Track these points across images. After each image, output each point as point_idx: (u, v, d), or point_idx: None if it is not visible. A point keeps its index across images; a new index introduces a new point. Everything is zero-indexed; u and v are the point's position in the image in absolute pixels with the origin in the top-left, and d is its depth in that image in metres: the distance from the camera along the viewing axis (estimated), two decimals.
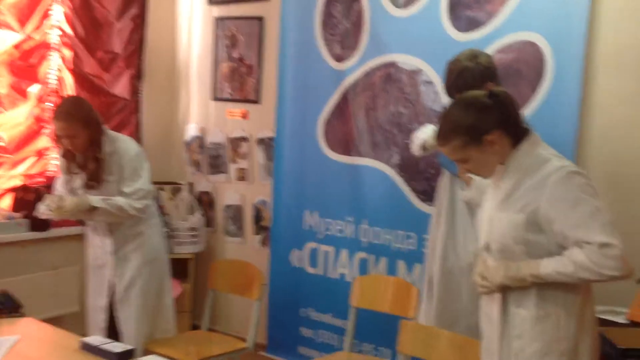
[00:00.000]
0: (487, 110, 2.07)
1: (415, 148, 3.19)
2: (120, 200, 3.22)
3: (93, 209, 3.18)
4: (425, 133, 3.14)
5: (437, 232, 3.13)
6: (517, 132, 2.11)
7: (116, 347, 2.51)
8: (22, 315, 2.95)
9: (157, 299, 3.47)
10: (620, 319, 2.85)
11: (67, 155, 3.30)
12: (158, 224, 3.53)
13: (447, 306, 3.05)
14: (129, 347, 2.54)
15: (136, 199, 3.23)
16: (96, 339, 2.62)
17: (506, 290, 2.12)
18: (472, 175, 2.54)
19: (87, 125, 3.17)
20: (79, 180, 3.31)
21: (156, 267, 3.45)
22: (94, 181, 3.24)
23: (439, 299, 3.06)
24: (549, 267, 2.02)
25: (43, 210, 3.16)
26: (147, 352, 3.12)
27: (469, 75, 2.79)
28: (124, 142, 3.33)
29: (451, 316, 3.03)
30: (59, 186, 3.41)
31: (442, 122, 2.15)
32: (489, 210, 2.18)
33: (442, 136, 2.14)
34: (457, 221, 3.05)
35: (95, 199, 3.19)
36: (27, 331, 2.77)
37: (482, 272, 2.15)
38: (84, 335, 2.82)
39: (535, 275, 2.03)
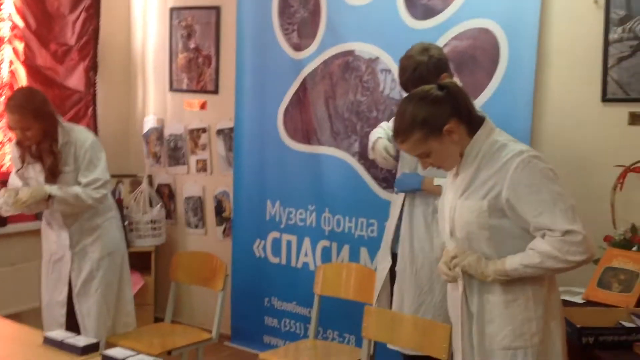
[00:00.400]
0: (440, 102, 2.11)
1: (378, 155, 3.15)
2: (76, 189, 3.20)
3: (49, 198, 3.14)
4: (381, 140, 3.12)
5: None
6: (471, 121, 2.14)
7: (80, 340, 2.48)
8: None
9: (116, 292, 3.45)
10: (577, 299, 2.93)
11: (21, 144, 3.25)
12: (115, 217, 3.51)
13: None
14: (93, 340, 2.52)
15: (93, 189, 3.22)
16: (59, 333, 2.59)
17: (470, 279, 2.15)
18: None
19: (40, 117, 3.14)
20: (32, 170, 3.26)
21: (115, 260, 3.43)
22: (52, 174, 3.20)
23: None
24: (514, 262, 2.05)
25: (0, 204, 3.12)
26: (109, 346, 3.09)
27: (424, 69, 2.82)
28: (79, 133, 3.31)
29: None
30: (13, 178, 3.35)
31: (398, 120, 2.16)
32: (451, 200, 2.20)
33: (402, 133, 2.15)
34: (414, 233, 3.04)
35: (51, 188, 3.16)
36: None
37: (447, 261, 2.17)
38: (45, 331, 2.79)
39: (500, 271, 2.07)
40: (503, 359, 2.12)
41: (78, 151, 3.24)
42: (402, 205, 3.04)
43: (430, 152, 2.14)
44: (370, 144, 3.25)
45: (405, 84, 2.89)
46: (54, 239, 3.38)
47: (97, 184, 3.24)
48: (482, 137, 2.13)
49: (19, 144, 3.28)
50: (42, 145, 3.19)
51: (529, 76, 3.36)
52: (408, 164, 3.03)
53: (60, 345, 2.47)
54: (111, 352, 2.36)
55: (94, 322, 3.32)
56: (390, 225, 3.13)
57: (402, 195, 3.06)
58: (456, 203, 2.16)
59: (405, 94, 2.86)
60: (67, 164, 3.23)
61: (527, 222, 2.05)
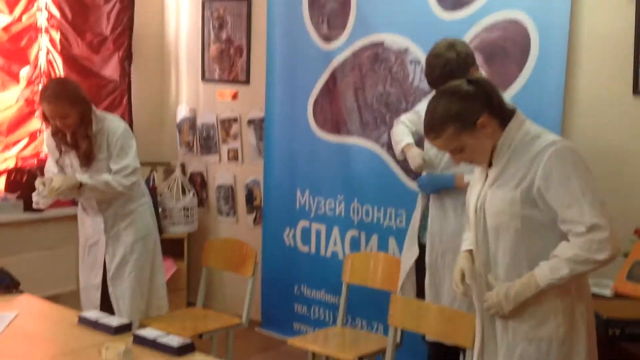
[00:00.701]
0: (471, 96, 2.11)
1: (412, 163, 3.11)
2: (107, 176, 3.28)
3: (80, 186, 3.24)
4: (413, 149, 3.10)
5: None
6: (503, 114, 2.14)
7: (113, 320, 2.57)
8: (20, 292, 3.00)
9: (149, 276, 3.53)
10: (606, 292, 2.91)
11: (57, 135, 3.34)
12: (148, 203, 3.58)
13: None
14: (125, 320, 2.60)
15: (124, 176, 3.30)
16: (94, 313, 2.68)
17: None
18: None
19: (76, 103, 3.22)
20: (68, 158, 3.36)
21: (147, 244, 3.51)
22: (87, 159, 3.29)
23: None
24: (545, 278, 2.05)
25: (36, 199, 3.20)
26: (142, 328, 3.18)
27: (454, 65, 2.83)
28: (111, 121, 3.39)
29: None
30: (50, 166, 3.46)
31: (430, 116, 2.16)
32: (479, 190, 2.21)
33: (435, 129, 2.14)
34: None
35: (82, 176, 3.25)
36: (25, 307, 2.83)
37: (492, 304, 2.16)
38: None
39: (537, 289, 2.07)
40: (526, 350, 2.13)
41: (110, 139, 3.31)
42: (429, 197, 3.07)
43: (464, 147, 2.14)
44: (395, 144, 3.26)
45: (434, 81, 2.89)
46: (90, 224, 3.48)
47: (127, 171, 3.31)
48: (514, 129, 2.13)
49: (53, 135, 3.37)
50: (78, 131, 3.27)
51: (559, 68, 3.34)
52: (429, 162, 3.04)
53: (94, 324, 2.56)
54: (143, 332, 2.45)
55: (127, 304, 3.41)
56: (417, 215, 3.16)
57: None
58: (487, 192, 2.16)
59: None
60: (100, 152, 3.31)
61: (556, 212, 2.05)
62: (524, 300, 2.10)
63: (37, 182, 3.22)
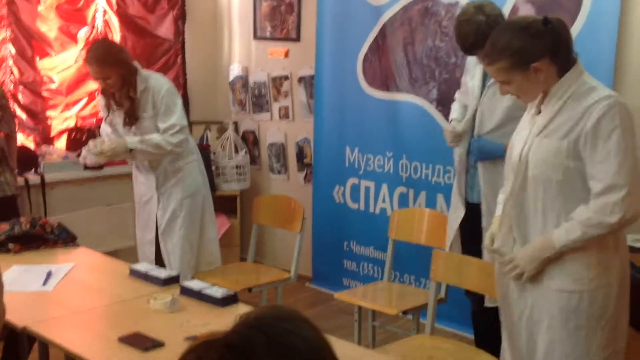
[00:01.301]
0: (539, 36, 2.06)
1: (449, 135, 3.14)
2: (155, 137, 3.36)
3: (131, 150, 3.34)
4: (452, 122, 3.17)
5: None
6: (564, 62, 2.10)
7: (162, 272, 2.68)
8: (77, 245, 3.15)
9: (199, 232, 3.62)
10: None
11: (106, 93, 3.45)
12: (197, 160, 3.64)
13: None
14: (173, 273, 2.71)
15: (171, 134, 3.37)
16: (144, 265, 2.80)
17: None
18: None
19: (118, 66, 3.29)
20: (118, 117, 3.46)
21: (196, 201, 3.59)
22: (131, 118, 3.39)
23: None
24: (562, 238, 2.07)
25: (84, 154, 3.33)
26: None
27: (486, 28, 2.72)
28: (156, 80, 3.44)
29: None
30: (103, 125, 3.57)
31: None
32: (524, 137, 2.18)
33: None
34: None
35: (131, 140, 3.34)
36: (81, 259, 2.98)
37: (512, 267, 2.19)
38: None
39: (552, 251, 2.09)
40: (557, 301, 2.13)
41: (155, 97, 3.38)
42: (467, 155, 3.05)
43: (512, 82, 2.12)
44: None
45: (469, 48, 2.83)
46: (143, 181, 3.59)
47: (174, 129, 3.37)
48: (570, 78, 2.09)
49: (103, 92, 3.48)
50: (120, 91, 3.36)
51: (613, 19, 3.23)
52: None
53: (144, 276, 2.68)
54: (189, 283, 2.55)
55: (177, 259, 3.52)
56: (461, 174, 3.13)
57: (463, 147, 3.07)
58: (533, 141, 2.14)
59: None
60: (146, 110, 3.39)
61: (588, 162, 2.04)
62: (545, 260, 2.10)
63: (90, 141, 3.34)
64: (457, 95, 3.33)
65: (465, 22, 2.80)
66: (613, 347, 2.14)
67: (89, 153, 3.32)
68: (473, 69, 3.07)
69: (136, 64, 3.45)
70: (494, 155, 2.92)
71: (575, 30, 3.33)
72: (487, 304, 2.97)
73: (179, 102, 3.46)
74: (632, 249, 2.76)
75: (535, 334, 2.19)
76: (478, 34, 2.74)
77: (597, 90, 2.07)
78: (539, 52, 2.05)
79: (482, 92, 2.98)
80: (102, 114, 3.60)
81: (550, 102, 2.11)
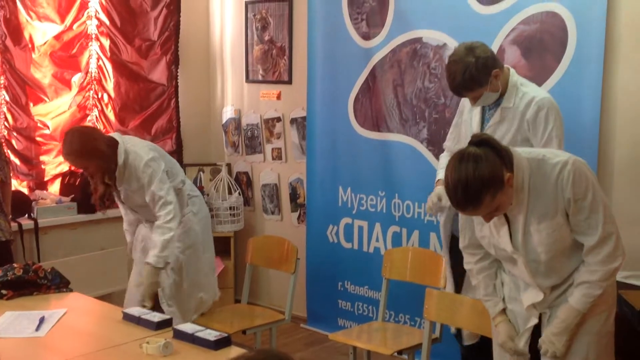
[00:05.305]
0: (489, 157, 2.11)
1: (429, 201, 3.12)
2: (157, 239, 3.28)
3: (166, 265, 3.32)
4: (438, 188, 3.10)
5: None
6: (508, 160, 2.17)
7: (155, 317, 2.68)
8: (70, 290, 3.15)
9: (196, 275, 3.60)
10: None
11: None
12: (193, 211, 3.60)
13: None
14: (166, 316, 2.71)
15: (159, 208, 3.31)
16: (137, 310, 2.80)
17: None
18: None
19: (94, 157, 3.25)
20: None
21: (196, 251, 3.57)
22: (107, 201, 3.46)
23: None
24: (581, 302, 2.25)
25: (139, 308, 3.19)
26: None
27: (474, 70, 2.75)
28: (134, 155, 3.35)
29: None
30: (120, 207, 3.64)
31: (461, 191, 2.08)
32: (517, 235, 2.26)
33: (471, 201, 2.09)
34: None
35: (156, 262, 3.26)
36: (73, 305, 2.97)
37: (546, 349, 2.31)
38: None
39: (578, 314, 2.27)
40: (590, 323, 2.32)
41: (137, 172, 3.33)
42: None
43: (499, 207, 2.15)
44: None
45: (456, 88, 2.85)
46: (145, 233, 3.55)
47: (159, 202, 3.32)
48: (520, 168, 2.17)
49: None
50: (95, 178, 3.36)
51: (597, 60, 3.30)
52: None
53: (137, 320, 2.68)
54: (182, 327, 2.54)
55: (174, 305, 3.47)
56: (445, 240, 3.20)
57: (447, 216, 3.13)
58: (527, 230, 2.24)
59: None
60: (130, 185, 3.36)
61: (572, 222, 2.23)
62: (573, 328, 2.28)
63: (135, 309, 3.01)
64: (446, 143, 3.27)
65: (454, 63, 2.82)
66: None
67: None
68: (468, 113, 3.06)
69: (117, 135, 3.41)
70: None
71: (559, 72, 3.41)
72: (467, 342, 2.97)
73: (159, 170, 3.36)
74: (624, 285, 2.79)
75: None
76: (465, 75, 2.76)
77: (546, 161, 2.20)
78: (500, 167, 2.11)
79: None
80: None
81: (517, 198, 2.19)
